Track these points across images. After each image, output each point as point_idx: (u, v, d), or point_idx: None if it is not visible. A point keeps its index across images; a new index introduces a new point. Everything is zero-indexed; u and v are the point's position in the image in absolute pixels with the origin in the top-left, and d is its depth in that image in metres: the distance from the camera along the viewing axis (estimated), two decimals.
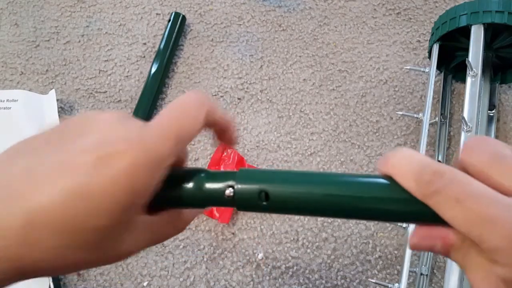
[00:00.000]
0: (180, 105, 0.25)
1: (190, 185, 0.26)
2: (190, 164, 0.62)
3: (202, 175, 0.26)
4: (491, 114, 0.62)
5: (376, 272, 0.56)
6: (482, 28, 0.54)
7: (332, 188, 0.24)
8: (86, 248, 0.21)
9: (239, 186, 0.25)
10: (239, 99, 0.67)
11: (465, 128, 0.52)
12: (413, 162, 0.22)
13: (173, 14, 0.71)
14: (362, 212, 0.24)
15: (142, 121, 0.24)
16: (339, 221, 0.59)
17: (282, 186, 0.25)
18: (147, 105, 0.65)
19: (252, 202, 0.25)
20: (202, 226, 0.59)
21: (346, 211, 0.24)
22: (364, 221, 0.59)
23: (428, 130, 0.56)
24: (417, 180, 0.22)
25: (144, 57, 0.70)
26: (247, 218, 0.59)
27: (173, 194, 0.26)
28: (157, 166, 0.23)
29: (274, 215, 0.59)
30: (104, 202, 0.21)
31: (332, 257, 0.57)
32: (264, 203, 0.25)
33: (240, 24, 0.73)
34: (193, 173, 0.26)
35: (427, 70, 0.61)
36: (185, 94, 0.26)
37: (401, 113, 0.61)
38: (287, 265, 0.57)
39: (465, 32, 0.56)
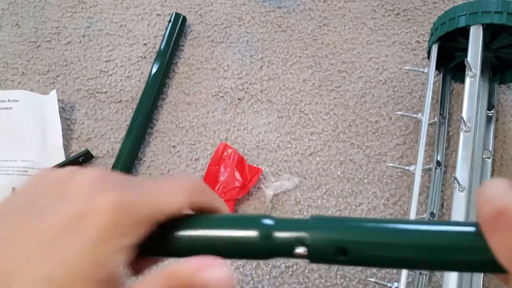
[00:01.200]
0: (166, 185, 0.24)
1: (253, 233, 0.23)
2: (190, 164, 0.63)
3: (269, 222, 0.24)
4: (490, 114, 0.62)
5: (376, 271, 0.56)
6: (481, 28, 0.55)
7: (416, 239, 0.22)
8: None
9: (314, 238, 0.22)
10: (239, 99, 0.67)
11: (464, 128, 0.52)
12: (494, 189, 0.20)
13: (174, 14, 0.71)
14: (456, 265, 0.22)
15: (119, 182, 0.23)
16: None
17: (362, 240, 0.22)
18: (148, 106, 0.65)
19: (327, 257, 0.22)
20: None
21: (433, 264, 0.22)
22: None
23: (427, 130, 0.56)
24: (482, 208, 0.20)
25: (144, 57, 0.71)
26: None
27: (232, 244, 0.23)
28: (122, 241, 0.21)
29: (274, 214, 0.60)
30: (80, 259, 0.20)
31: None
32: (342, 258, 0.22)
33: (240, 25, 0.73)
34: (256, 218, 0.24)
35: (426, 71, 0.61)
36: (179, 176, 0.25)
37: (400, 113, 0.62)
38: (286, 264, 0.57)
39: (464, 32, 0.56)
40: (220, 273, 0.21)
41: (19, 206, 0.22)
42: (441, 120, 0.63)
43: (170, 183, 0.24)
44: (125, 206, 0.21)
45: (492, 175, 0.60)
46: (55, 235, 0.20)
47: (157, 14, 0.74)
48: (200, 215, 0.25)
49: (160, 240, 0.23)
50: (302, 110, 0.66)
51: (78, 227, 0.20)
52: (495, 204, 0.19)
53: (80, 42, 0.72)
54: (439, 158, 0.61)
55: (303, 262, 0.57)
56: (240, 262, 0.57)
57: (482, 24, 0.55)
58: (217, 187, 0.60)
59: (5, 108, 0.65)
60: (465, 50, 0.55)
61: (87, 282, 0.20)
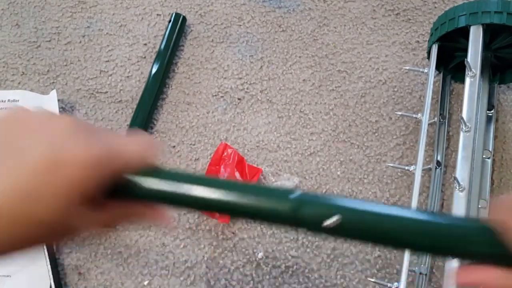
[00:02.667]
0: (129, 140, 0.27)
1: (284, 206, 0.25)
2: (190, 164, 0.63)
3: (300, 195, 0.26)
4: (490, 114, 0.62)
5: (376, 271, 0.56)
6: (481, 28, 0.55)
7: (421, 224, 0.24)
8: (38, 235, 0.24)
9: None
10: (239, 99, 0.67)
11: (464, 128, 0.52)
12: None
13: (174, 14, 0.71)
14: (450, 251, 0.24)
15: (92, 133, 0.26)
16: None
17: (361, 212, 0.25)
18: (148, 105, 0.65)
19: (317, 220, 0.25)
20: (203, 225, 0.59)
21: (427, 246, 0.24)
22: None
23: (427, 130, 0.56)
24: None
25: (144, 57, 0.71)
26: None
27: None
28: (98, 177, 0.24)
29: None
30: (52, 202, 0.23)
31: (332, 256, 0.57)
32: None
33: (240, 25, 0.73)
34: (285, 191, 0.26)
35: (426, 71, 0.61)
36: (137, 134, 0.28)
37: (400, 113, 0.62)
38: (287, 264, 0.57)
39: (464, 32, 0.56)
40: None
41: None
42: (441, 120, 0.63)
43: (133, 139, 0.28)
44: (97, 159, 0.24)
45: (492, 175, 0.60)
46: (34, 176, 0.23)
47: (157, 14, 0.74)
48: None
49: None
50: (302, 110, 0.66)
51: (54, 173, 0.23)
52: None
53: (80, 42, 0.72)
54: (439, 158, 0.61)
55: (298, 263, 0.57)
56: (240, 262, 0.57)
57: (482, 24, 0.55)
58: None
59: (5, 108, 0.65)
60: (465, 50, 0.55)
61: (62, 218, 0.23)
